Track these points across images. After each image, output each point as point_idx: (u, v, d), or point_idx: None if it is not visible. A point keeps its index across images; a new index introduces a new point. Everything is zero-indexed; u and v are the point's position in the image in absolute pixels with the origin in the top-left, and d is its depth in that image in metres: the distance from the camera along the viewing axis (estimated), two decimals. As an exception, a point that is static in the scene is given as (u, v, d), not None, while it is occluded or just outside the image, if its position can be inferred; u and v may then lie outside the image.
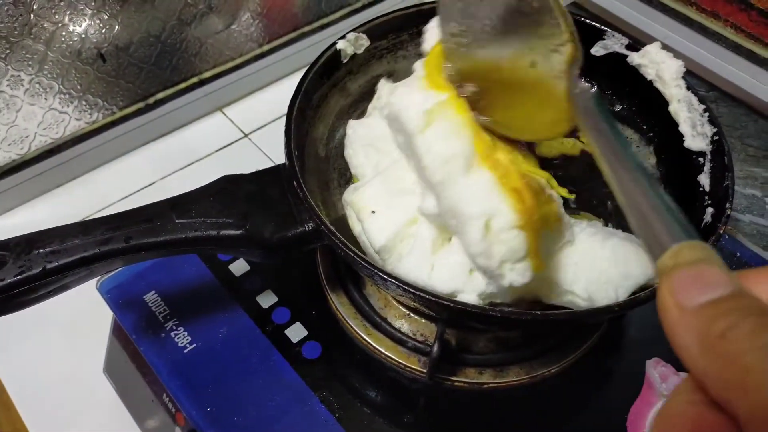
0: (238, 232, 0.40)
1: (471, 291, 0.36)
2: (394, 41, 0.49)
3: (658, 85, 0.45)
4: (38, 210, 0.65)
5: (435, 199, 0.37)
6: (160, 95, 0.69)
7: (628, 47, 0.47)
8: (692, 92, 0.44)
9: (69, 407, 0.53)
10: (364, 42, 0.48)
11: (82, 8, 0.58)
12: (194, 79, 0.70)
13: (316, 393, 0.44)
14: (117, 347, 0.51)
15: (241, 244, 0.41)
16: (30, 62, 0.58)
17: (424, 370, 0.44)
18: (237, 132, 0.73)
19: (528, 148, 0.41)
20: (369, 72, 0.50)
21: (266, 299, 0.49)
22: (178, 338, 0.47)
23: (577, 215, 0.41)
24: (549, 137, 0.38)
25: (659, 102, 0.45)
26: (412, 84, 0.40)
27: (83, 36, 0.60)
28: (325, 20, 0.76)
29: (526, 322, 0.35)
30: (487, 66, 0.37)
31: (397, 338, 0.46)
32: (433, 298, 0.35)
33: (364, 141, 0.43)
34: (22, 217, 0.65)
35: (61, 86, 0.61)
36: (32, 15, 0.56)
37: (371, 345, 0.46)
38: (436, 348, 0.42)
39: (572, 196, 0.39)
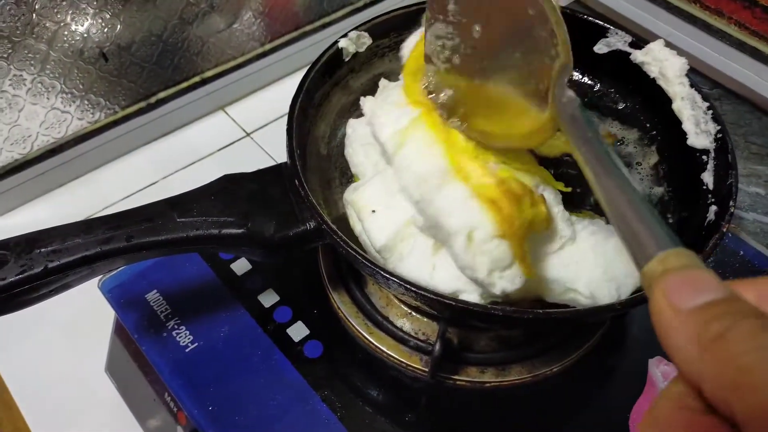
0: (240, 230, 0.40)
1: (473, 290, 0.36)
2: (396, 39, 0.49)
3: (661, 82, 0.45)
4: (40, 209, 0.65)
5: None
6: (162, 94, 0.69)
7: (632, 45, 0.47)
8: (696, 90, 0.44)
9: (71, 406, 0.53)
10: (366, 40, 0.48)
11: (84, 7, 0.58)
12: (196, 79, 0.70)
13: (318, 392, 0.44)
14: (119, 346, 0.51)
15: (242, 243, 0.41)
16: (32, 62, 0.58)
17: (426, 369, 0.44)
18: (239, 131, 0.73)
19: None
20: (371, 70, 0.50)
21: (268, 298, 0.49)
22: (179, 337, 0.47)
23: (578, 213, 0.40)
24: (527, 146, 0.37)
25: (662, 100, 0.45)
26: (390, 98, 0.40)
27: (85, 35, 0.60)
28: (326, 19, 0.76)
29: (527, 321, 0.35)
30: (470, 71, 0.37)
31: (399, 337, 0.46)
32: (435, 297, 0.35)
33: (364, 140, 0.43)
34: (24, 217, 0.65)
35: (63, 86, 0.61)
36: (34, 14, 0.56)
37: (373, 344, 0.46)
38: (437, 347, 0.42)
39: (568, 190, 0.39)
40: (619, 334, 0.48)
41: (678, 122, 0.44)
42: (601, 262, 0.37)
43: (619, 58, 0.47)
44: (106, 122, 0.66)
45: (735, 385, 0.17)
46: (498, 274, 0.34)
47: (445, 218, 0.35)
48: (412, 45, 0.42)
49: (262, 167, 0.44)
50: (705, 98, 0.43)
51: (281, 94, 0.73)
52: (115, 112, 0.66)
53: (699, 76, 0.73)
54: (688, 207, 0.44)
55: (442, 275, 0.37)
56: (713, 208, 0.40)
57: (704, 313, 0.19)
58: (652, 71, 0.46)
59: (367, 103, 0.42)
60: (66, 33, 0.58)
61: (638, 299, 0.36)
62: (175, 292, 0.49)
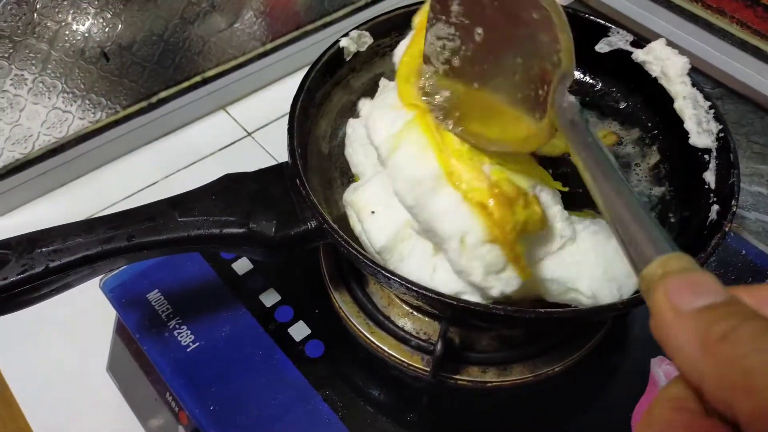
0: (241, 230, 0.40)
1: (473, 291, 0.36)
2: (397, 39, 0.49)
3: (663, 82, 0.45)
4: (42, 209, 0.66)
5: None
6: (164, 94, 0.69)
7: (633, 44, 0.47)
8: (698, 89, 0.44)
9: (72, 406, 0.53)
10: (367, 40, 0.48)
11: (86, 7, 0.58)
12: (197, 78, 0.70)
13: (319, 392, 0.44)
14: (120, 346, 0.51)
15: (243, 242, 0.41)
16: (33, 61, 0.58)
17: (428, 369, 0.44)
18: (240, 131, 0.73)
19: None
20: (372, 69, 0.50)
21: (269, 298, 0.49)
22: (181, 337, 0.47)
23: (580, 213, 0.40)
24: (522, 151, 0.37)
25: (664, 99, 0.45)
26: (386, 100, 0.40)
27: (86, 35, 0.60)
28: (327, 18, 0.76)
29: (529, 321, 0.35)
30: (469, 74, 0.37)
31: (401, 337, 0.46)
32: (436, 297, 0.35)
33: (364, 140, 0.43)
34: (26, 216, 0.65)
35: (64, 85, 0.61)
36: (35, 14, 0.56)
37: (374, 343, 0.46)
38: (439, 346, 0.42)
39: (566, 189, 0.39)
40: (620, 333, 0.48)
41: (680, 121, 0.44)
42: (602, 262, 0.37)
43: (621, 57, 0.47)
44: (107, 122, 0.66)
45: (738, 386, 0.17)
46: (493, 277, 0.34)
47: (438, 223, 0.35)
48: (403, 49, 0.41)
49: (263, 167, 0.44)
50: (707, 97, 0.43)
51: (282, 93, 0.73)
52: (116, 111, 0.66)
53: (701, 76, 0.73)
54: (690, 206, 0.44)
55: (442, 276, 0.37)
56: (715, 207, 0.40)
57: (706, 314, 0.19)
58: (654, 70, 0.45)
59: (365, 106, 0.42)
60: (67, 33, 0.58)
61: (640, 299, 0.35)
62: (177, 292, 0.49)
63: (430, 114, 0.38)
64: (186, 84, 0.70)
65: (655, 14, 0.74)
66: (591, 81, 0.51)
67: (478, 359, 0.45)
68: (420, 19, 0.40)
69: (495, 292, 0.35)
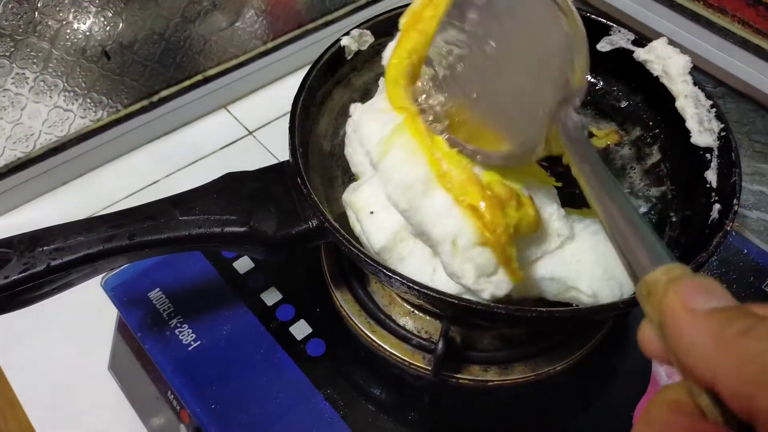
0: (242, 229, 0.40)
1: (493, 289, 0.36)
2: (398, 37, 0.49)
3: (664, 80, 0.45)
4: (43, 208, 0.66)
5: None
6: (165, 93, 0.69)
7: (635, 43, 0.47)
8: (699, 88, 0.44)
9: (74, 405, 0.53)
10: (368, 38, 0.48)
11: (87, 6, 0.58)
12: (198, 77, 0.70)
13: (321, 390, 0.44)
14: (122, 344, 0.51)
15: (244, 241, 0.41)
16: (35, 60, 0.58)
17: (429, 368, 0.44)
18: (241, 130, 0.73)
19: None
20: (373, 68, 0.50)
21: (270, 296, 0.49)
22: (182, 336, 0.47)
23: (580, 211, 0.40)
24: (509, 166, 0.36)
25: (666, 98, 0.45)
26: (374, 104, 0.40)
27: (88, 34, 0.60)
28: (329, 17, 0.76)
29: (530, 320, 0.35)
30: (471, 83, 0.36)
31: (402, 335, 0.46)
32: (437, 295, 0.35)
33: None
34: (28, 215, 0.65)
35: (65, 84, 0.61)
36: (37, 13, 0.56)
37: (375, 342, 0.46)
38: (440, 345, 0.42)
39: (559, 184, 0.39)
40: (622, 332, 0.48)
41: (681, 120, 0.44)
42: (602, 262, 0.37)
43: (622, 56, 0.47)
44: (108, 120, 0.66)
45: (758, 381, 0.17)
46: (485, 280, 0.34)
47: (430, 226, 0.35)
48: (391, 52, 0.41)
49: (264, 165, 0.44)
50: (708, 96, 0.43)
51: (283, 92, 0.73)
52: (117, 110, 0.66)
53: (702, 74, 0.73)
54: (691, 205, 0.44)
55: (442, 277, 0.37)
56: (717, 206, 0.40)
57: (721, 314, 0.19)
58: (655, 69, 0.45)
59: (356, 110, 0.42)
60: (68, 31, 0.58)
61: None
62: (178, 291, 0.49)
63: (420, 117, 0.37)
64: (187, 83, 0.70)
65: (656, 13, 0.74)
66: (592, 80, 0.51)
67: (479, 358, 0.45)
68: (406, 20, 0.40)
69: (486, 295, 0.34)
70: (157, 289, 0.49)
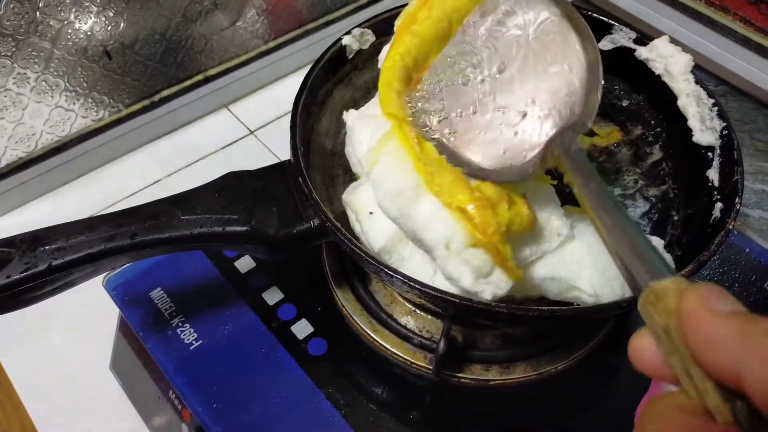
0: (243, 228, 0.40)
1: (493, 289, 0.36)
2: (400, 36, 0.49)
3: (666, 79, 0.45)
4: (45, 207, 0.66)
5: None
6: (166, 92, 0.69)
7: (636, 41, 0.47)
8: (701, 86, 0.44)
9: (76, 404, 0.53)
10: (370, 37, 0.48)
11: (88, 6, 0.58)
12: (200, 77, 0.70)
13: (322, 389, 0.44)
14: (123, 344, 0.51)
15: (246, 240, 0.41)
16: (36, 60, 0.58)
17: (431, 367, 0.44)
18: (243, 129, 0.73)
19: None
20: (374, 67, 0.49)
21: (272, 296, 0.49)
22: (184, 335, 0.47)
23: (580, 210, 0.40)
24: (499, 181, 0.36)
25: (667, 96, 0.45)
26: (367, 110, 0.40)
27: (89, 33, 0.60)
28: (330, 17, 0.76)
29: (532, 318, 0.35)
30: (474, 97, 0.36)
31: (403, 335, 0.46)
32: (439, 294, 0.35)
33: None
34: (29, 215, 0.65)
35: (67, 84, 0.61)
36: (38, 13, 0.56)
37: (377, 341, 0.46)
38: (442, 344, 0.42)
39: (554, 182, 0.39)
40: (623, 331, 0.48)
41: (683, 119, 0.44)
42: (603, 260, 0.37)
43: (624, 54, 0.47)
44: (110, 120, 0.66)
45: None
46: (483, 281, 0.34)
47: (422, 232, 0.35)
48: (385, 54, 0.41)
49: (265, 165, 0.44)
50: (710, 95, 0.43)
51: (285, 91, 0.73)
52: (119, 110, 0.66)
53: (704, 73, 0.73)
54: (693, 204, 0.43)
55: (442, 279, 0.37)
56: (719, 205, 0.40)
57: (745, 315, 0.20)
58: (657, 68, 0.45)
59: (349, 117, 0.42)
60: (70, 31, 0.58)
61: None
62: (180, 290, 0.49)
63: (412, 120, 0.37)
64: (188, 82, 0.70)
65: (658, 11, 0.74)
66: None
67: (481, 357, 0.45)
68: (400, 22, 0.40)
69: (487, 295, 0.34)
70: (159, 288, 0.49)
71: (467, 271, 0.34)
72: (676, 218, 0.45)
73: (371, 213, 0.38)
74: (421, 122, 0.36)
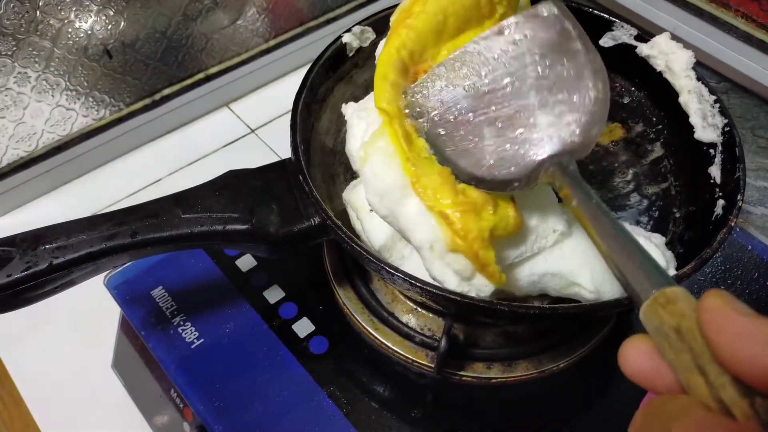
0: (244, 226, 0.40)
1: (476, 293, 0.36)
2: (400, 34, 0.49)
3: (667, 76, 0.45)
4: (46, 207, 0.66)
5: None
6: (167, 91, 0.69)
7: (637, 38, 0.47)
8: (702, 83, 0.43)
9: (78, 403, 0.53)
10: (370, 35, 0.48)
11: (88, 5, 0.58)
12: (200, 75, 0.70)
13: (324, 388, 0.44)
14: (125, 343, 0.51)
15: (246, 238, 0.40)
16: (36, 59, 0.58)
17: (432, 365, 0.44)
18: (244, 128, 0.73)
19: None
20: (375, 64, 0.49)
21: (273, 294, 0.49)
22: (185, 333, 0.47)
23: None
24: (484, 189, 0.35)
25: (669, 93, 0.45)
26: (366, 103, 0.40)
27: (89, 32, 0.60)
28: (330, 15, 0.76)
29: (533, 316, 0.35)
30: (476, 105, 0.36)
31: (405, 333, 0.46)
32: (440, 292, 0.34)
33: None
34: (31, 214, 0.65)
35: (67, 83, 0.61)
36: (38, 12, 0.56)
37: (378, 340, 0.46)
38: (443, 343, 0.42)
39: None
40: (626, 329, 0.48)
41: (684, 116, 0.44)
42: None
43: (625, 51, 0.47)
44: (110, 119, 0.66)
45: None
46: (466, 283, 0.34)
47: (410, 233, 0.34)
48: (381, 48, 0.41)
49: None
50: (712, 92, 0.43)
51: (286, 90, 0.73)
52: (119, 109, 0.66)
53: (706, 70, 0.72)
54: (695, 201, 0.43)
55: None
56: (721, 202, 0.40)
57: (764, 318, 0.20)
58: (658, 64, 0.45)
59: (347, 110, 0.42)
60: (70, 30, 0.58)
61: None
62: (181, 289, 0.49)
63: (401, 118, 0.36)
64: (189, 81, 0.70)
65: (659, 8, 0.73)
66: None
67: (482, 355, 0.45)
68: (396, 18, 0.39)
69: (473, 296, 0.34)
70: (160, 287, 0.49)
71: (450, 273, 0.34)
72: (677, 215, 0.44)
73: (371, 211, 0.38)
74: (417, 113, 0.36)
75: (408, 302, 0.47)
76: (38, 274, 0.37)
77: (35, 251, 0.37)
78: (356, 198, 0.39)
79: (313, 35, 0.76)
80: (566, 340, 0.46)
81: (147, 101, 0.68)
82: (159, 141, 0.71)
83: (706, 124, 0.43)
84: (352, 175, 0.46)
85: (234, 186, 0.42)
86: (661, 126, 0.48)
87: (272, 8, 0.71)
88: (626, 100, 0.50)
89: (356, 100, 0.49)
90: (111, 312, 0.51)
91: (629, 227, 0.39)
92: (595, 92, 0.34)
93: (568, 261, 0.37)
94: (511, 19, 0.36)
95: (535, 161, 0.33)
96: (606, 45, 0.48)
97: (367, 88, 0.49)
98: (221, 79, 0.72)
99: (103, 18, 0.60)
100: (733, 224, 0.37)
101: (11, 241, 0.37)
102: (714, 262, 0.53)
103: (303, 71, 0.45)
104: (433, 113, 0.36)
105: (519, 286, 0.37)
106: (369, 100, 0.41)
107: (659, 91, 0.46)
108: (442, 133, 0.36)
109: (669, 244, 0.42)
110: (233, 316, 0.48)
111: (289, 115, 0.43)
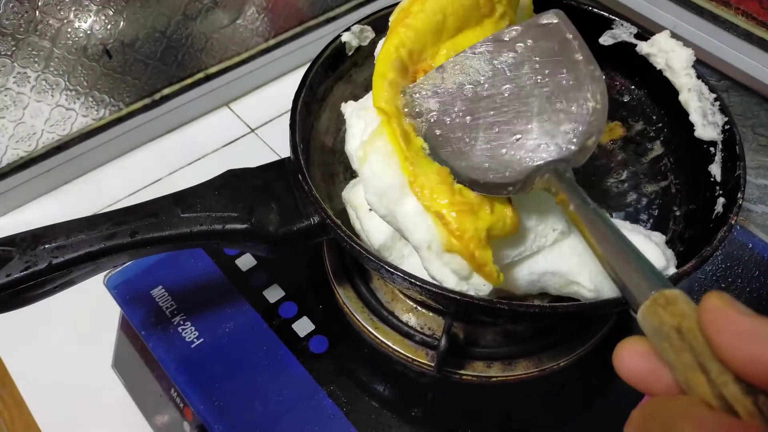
0: (244, 226, 0.40)
1: (474, 292, 0.36)
2: (400, 33, 0.49)
3: (667, 74, 0.45)
4: (46, 207, 0.66)
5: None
6: (167, 91, 0.69)
7: (637, 36, 0.46)
8: (703, 81, 0.43)
9: (78, 403, 0.53)
10: (369, 34, 0.48)
11: (87, 4, 0.58)
12: (200, 75, 0.70)
13: (324, 387, 0.44)
14: (125, 342, 0.51)
15: (246, 238, 0.40)
16: (36, 59, 0.58)
17: (432, 364, 0.44)
18: (243, 127, 0.73)
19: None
20: (374, 64, 0.49)
21: (273, 294, 0.49)
22: (185, 333, 0.47)
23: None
24: (477, 191, 0.35)
25: (669, 91, 0.45)
26: (367, 101, 0.40)
27: (89, 32, 0.60)
28: (330, 14, 0.76)
29: (533, 315, 0.35)
30: (475, 107, 0.36)
31: (405, 332, 0.46)
32: (440, 291, 0.34)
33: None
34: (30, 214, 0.65)
35: (67, 83, 0.61)
36: (38, 12, 0.56)
37: (378, 339, 0.46)
38: (443, 341, 0.42)
39: None
40: (626, 328, 0.48)
41: (685, 114, 0.44)
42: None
43: (625, 49, 0.47)
44: (110, 119, 0.66)
45: None
46: (464, 283, 0.34)
47: (408, 233, 0.34)
48: (378, 50, 0.40)
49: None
50: (712, 90, 0.43)
51: (285, 89, 0.73)
52: (119, 108, 0.66)
53: (706, 68, 0.72)
54: (695, 199, 0.43)
55: None
56: (721, 200, 0.40)
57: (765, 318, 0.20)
58: (658, 63, 0.45)
59: (347, 108, 0.42)
60: (69, 30, 0.58)
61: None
62: (181, 288, 0.49)
63: (399, 117, 0.36)
64: (189, 81, 0.70)
65: (659, 6, 0.73)
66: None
67: (482, 354, 0.45)
68: (395, 17, 0.40)
69: (471, 294, 0.34)
70: (160, 286, 0.49)
71: (448, 273, 0.34)
72: (678, 214, 0.44)
73: (371, 210, 0.38)
74: (415, 112, 0.36)
75: (408, 301, 0.47)
76: (38, 274, 0.37)
77: (35, 251, 0.37)
78: (355, 197, 0.39)
79: (312, 34, 0.76)
80: (566, 338, 0.46)
81: (147, 101, 0.68)
82: (159, 141, 0.71)
83: (706, 122, 0.43)
84: (351, 174, 0.46)
85: (233, 185, 0.42)
86: (661, 124, 0.48)
87: (272, 7, 0.71)
88: (626, 99, 0.50)
89: (356, 99, 0.49)
90: (111, 312, 0.51)
91: (629, 227, 0.39)
92: (594, 102, 0.34)
93: (567, 260, 0.37)
94: (513, 27, 0.36)
95: (531, 167, 0.33)
96: (606, 43, 0.47)
97: (367, 87, 0.49)
98: (221, 78, 0.72)
99: (103, 18, 0.60)
100: (733, 222, 0.37)
101: (11, 240, 0.37)
102: (714, 260, 0.53)
103: (302, 70, 0.45)
104: (431, 114, 0.36)
105: (518, 284, 0.37)
106: (368, 99, 0.41)
107: (659, 89, 0.46)
108: (439, 133, 0.36)
109: (669, 243, 0.42)
110: (233, 315, 0.48)
111: (289, 114, 0.43)
